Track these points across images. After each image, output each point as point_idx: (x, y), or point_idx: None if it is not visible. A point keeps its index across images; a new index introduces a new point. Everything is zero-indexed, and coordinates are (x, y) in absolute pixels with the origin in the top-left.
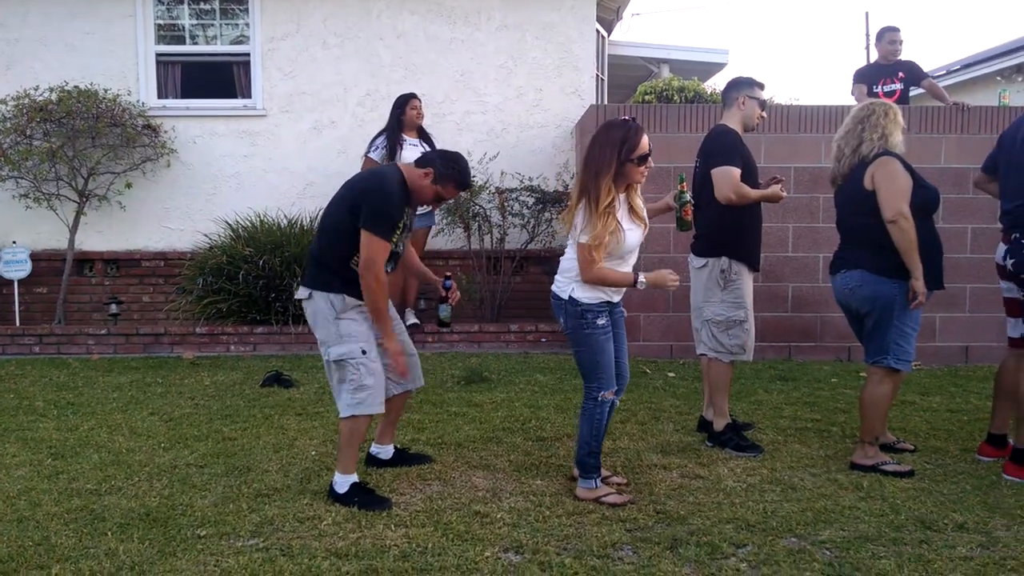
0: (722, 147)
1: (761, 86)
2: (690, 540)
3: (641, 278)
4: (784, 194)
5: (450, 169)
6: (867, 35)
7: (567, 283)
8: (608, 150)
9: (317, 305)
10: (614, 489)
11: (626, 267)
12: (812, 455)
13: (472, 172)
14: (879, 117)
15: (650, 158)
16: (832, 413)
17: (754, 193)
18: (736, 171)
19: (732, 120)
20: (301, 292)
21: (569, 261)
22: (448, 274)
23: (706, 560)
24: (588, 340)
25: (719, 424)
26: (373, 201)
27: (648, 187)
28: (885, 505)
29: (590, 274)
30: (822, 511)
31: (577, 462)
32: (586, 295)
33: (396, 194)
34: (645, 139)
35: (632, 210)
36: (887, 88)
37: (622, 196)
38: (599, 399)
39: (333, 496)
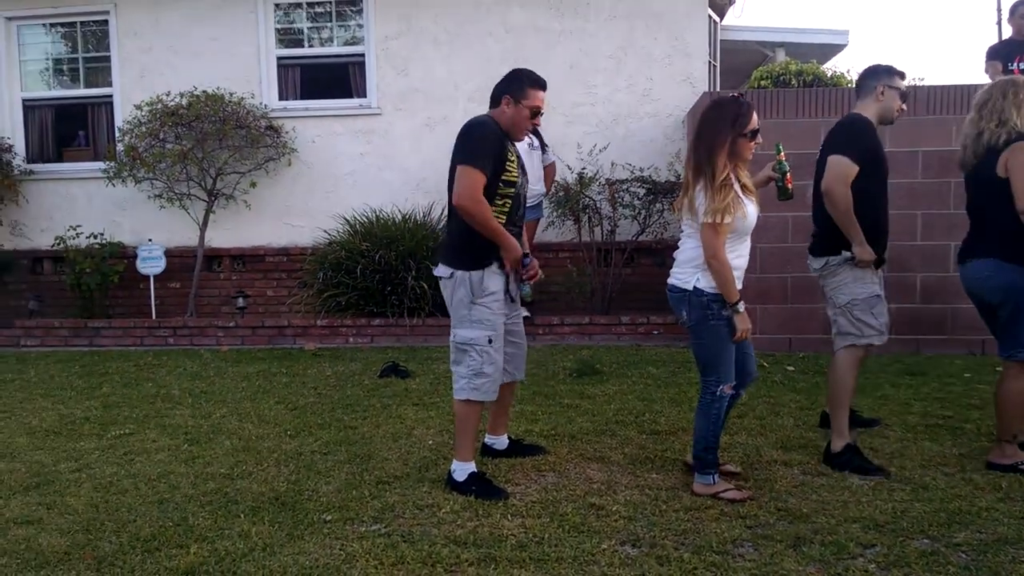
0: (841, 134)
1: (902, 75)
2: (814, 539)
3: (742, 306)
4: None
5: (514, 79)
6: (999, 9)
7: (690, 273)
8: (721, 126)
9: (456, 286)
10: (733, 485)
11: (746, 248)
12: (944, 453)
13: (582, 164)
14: (998, 100)
15: (759, 134)
16: (965, 410)
17: (841, 210)
18: (848, 163)
19: (867, 111)
20: (441, 271)
21: (691, 251)
22: (526, 251)
23: (831, 560)
24: (713, 332)
25: (838, 444)
26: (463, 138)
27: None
28: None
29: (719, 254)
30: (957, 512)
31: (694, 457)
32: (712, 285)
33: (486, 126)
34: (755, 115)
35: (744, 186)
36: (1023, 66)
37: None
38: (718, 393)
39: (451, 484)
